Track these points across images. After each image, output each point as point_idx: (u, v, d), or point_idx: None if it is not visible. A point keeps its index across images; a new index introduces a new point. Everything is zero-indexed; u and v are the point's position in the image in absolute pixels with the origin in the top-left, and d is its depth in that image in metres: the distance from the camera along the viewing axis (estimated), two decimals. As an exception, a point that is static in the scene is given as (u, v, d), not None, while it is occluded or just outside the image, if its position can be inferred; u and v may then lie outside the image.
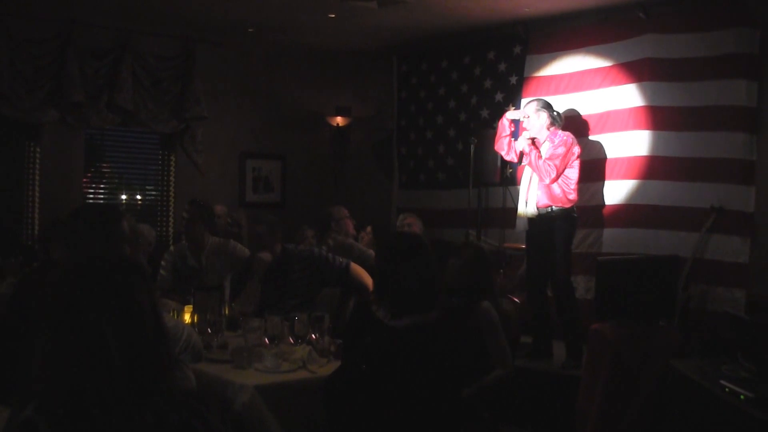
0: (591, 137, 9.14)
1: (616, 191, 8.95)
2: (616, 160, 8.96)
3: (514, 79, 10.26)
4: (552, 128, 8.10)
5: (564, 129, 8.21)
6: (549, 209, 7.96)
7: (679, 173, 8.51)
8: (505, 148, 8.44)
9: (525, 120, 8.21)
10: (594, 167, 8.98)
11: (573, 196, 7.96)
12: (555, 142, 7.98)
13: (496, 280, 8.92)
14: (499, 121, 8.61)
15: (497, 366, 5.26)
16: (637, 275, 6.55)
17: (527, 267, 8.42)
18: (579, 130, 9.09)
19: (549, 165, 7.86)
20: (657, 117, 8.72)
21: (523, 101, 9.54)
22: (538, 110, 8.11)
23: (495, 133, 9.24)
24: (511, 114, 8.52)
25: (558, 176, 7.87)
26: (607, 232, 9.02)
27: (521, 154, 8.32)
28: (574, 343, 7.82)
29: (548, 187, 7.92)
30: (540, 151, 7.98)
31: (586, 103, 9.30)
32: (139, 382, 2.12)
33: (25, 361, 2.86)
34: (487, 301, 5.40)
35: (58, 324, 2.15)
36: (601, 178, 9.01)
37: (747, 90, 8.16)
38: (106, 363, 2.10)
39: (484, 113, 10.57)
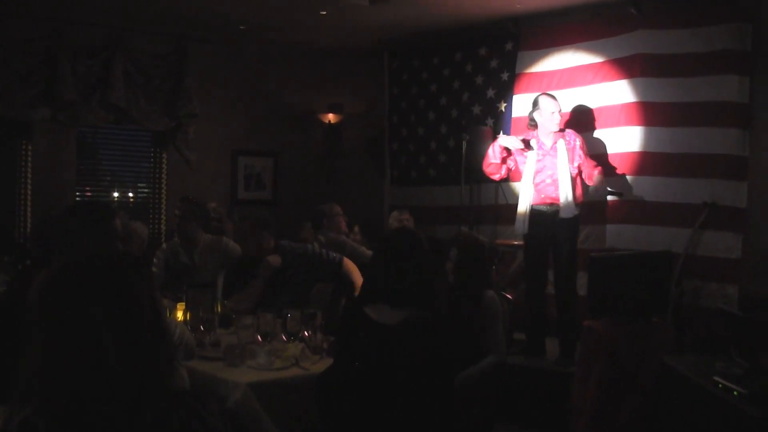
0: (583, 134, 9.12)
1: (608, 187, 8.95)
2: (608, 156, 8.96)
3: (505, 76, 10.25)
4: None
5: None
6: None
7: (672, 169, 8.52)
8: (498, 173, 8.42)
9: (556, 114, 8.13)
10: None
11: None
12: (572, 142, 8.07)
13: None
14: (489, 147, 8.49)
15: (490, 353, 5.31)
16: (629, 271, 6.54)
17: (527, 264, 8.37)
18: (571, 126, 9.11)
19: (595, 165, 8.08)
20: (649, 113, 8.73)
21: (521, 96, 9.56)
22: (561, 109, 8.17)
23: (486, 131, 9.34)
24: (505, 141, 8.33)
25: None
26: (599, 229, 9.02)
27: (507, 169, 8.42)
28: (570, 340, 7.82)
29: (577, 182, 8.00)
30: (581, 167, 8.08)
31: (578, 99, 9.29)
32: (138, 382, 2.11)
33: (21, 360, 2.84)
34: (491, 290, 5.50)
35: (55, 322, 2.14)
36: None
37: (739, 85, 8.16)
38: (104, 362, 2.09)
39: (476, 110, 10.56)
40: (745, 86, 8.16)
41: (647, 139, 8.72)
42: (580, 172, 8.07)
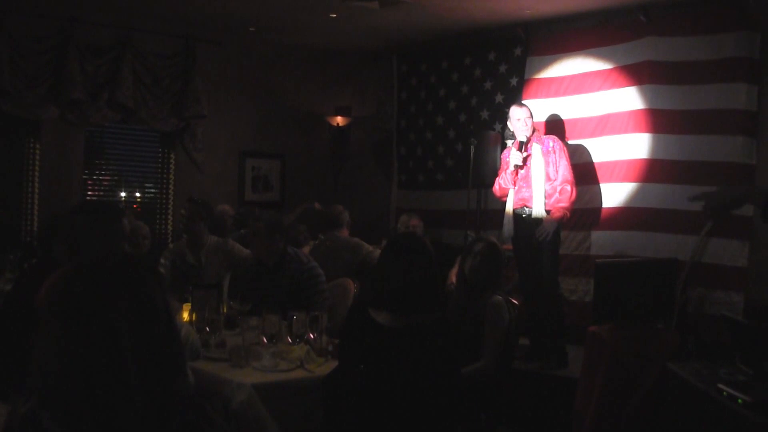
0: (591, 140, 9.14)
1: (615, 194, 8.95)
2: (616, 162, 8.96)
3: (514, 81, 10.25)
4: (536, 131, 8.10)
5: (562, 131, 8.21)
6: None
7: (679, 176, 8.51)
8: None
9: (523, 121, 8.10)
10: (594, 170, 9.00)
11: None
12: (549, 146, 7.99)
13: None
14: (498, 178, 8.35)
15: (482, 359, 5.32)
16: (635, 278, 6.55)
17: (519, 269, 8.33)
18: (579, 132, 9.11)
19: (566, 190, 7.91)
20: (657, 120, 8.72)
21: (530, 102, 9.52)
22: (531, 115, 8.11)
23: (494, 136, 9.33)
24: (514, 160, 8.11)
25: (575, 190, 7.97)
26: (606, 235, 9.01)
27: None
28: (559, 343, 7.86)
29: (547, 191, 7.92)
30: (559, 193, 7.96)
31: (587, 105, 9.29)
32: (149, 380, 2.12)
33: (26, 357, 2.85)
34: (499, 296, 5.49)
35: (70, 324, 2.14)
36: (601, 180, 9.01)
37: (747, 93, 8.16)
38: (117, 360, 2.09)
39: (484, 114, 10.55)
40: (753, 94, 8.16)
41: (655, 146, 8.72)
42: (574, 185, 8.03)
